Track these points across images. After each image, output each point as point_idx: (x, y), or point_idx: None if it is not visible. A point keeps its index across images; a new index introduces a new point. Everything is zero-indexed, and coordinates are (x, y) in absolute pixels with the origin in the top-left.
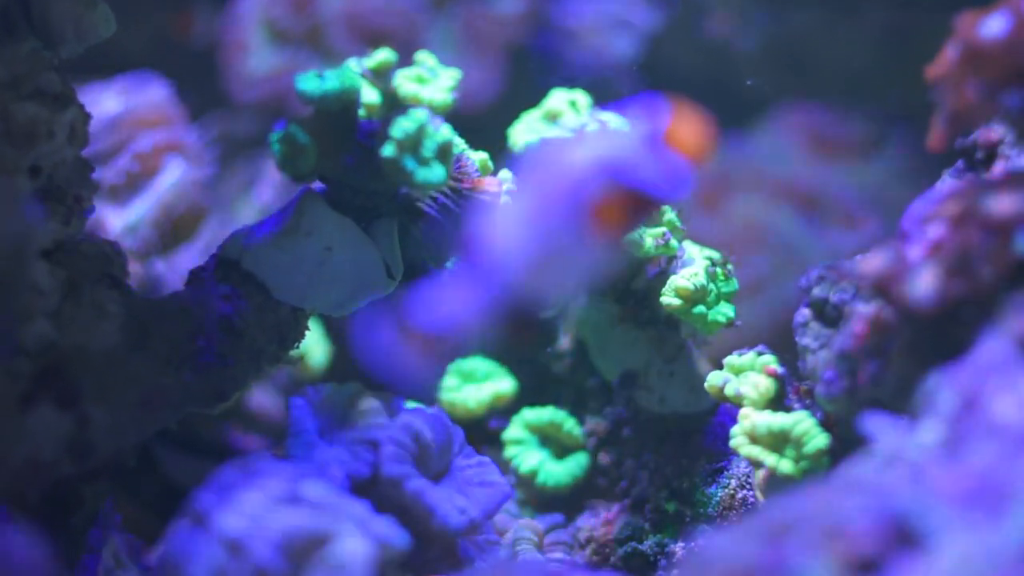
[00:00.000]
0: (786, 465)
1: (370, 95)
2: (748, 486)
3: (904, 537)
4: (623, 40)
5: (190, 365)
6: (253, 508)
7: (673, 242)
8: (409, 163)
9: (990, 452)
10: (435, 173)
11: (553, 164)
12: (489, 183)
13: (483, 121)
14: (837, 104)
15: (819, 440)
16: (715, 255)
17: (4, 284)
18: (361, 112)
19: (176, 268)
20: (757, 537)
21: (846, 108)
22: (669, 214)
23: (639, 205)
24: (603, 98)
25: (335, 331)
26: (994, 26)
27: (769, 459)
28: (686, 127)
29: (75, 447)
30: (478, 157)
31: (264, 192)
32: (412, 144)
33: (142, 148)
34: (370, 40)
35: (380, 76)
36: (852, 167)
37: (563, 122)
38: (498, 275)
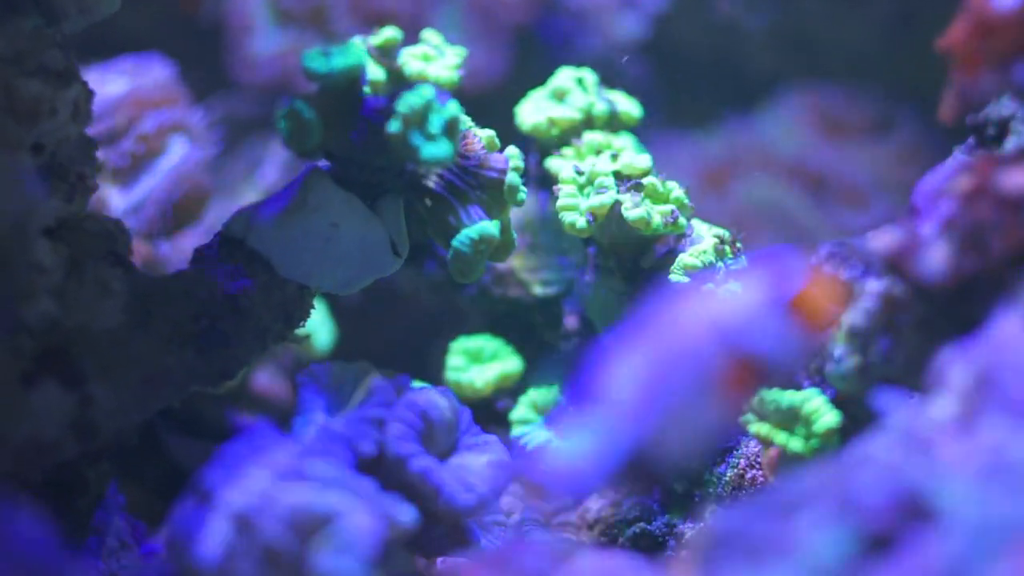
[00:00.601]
0: (796, 443)
1: (375, 73)
2: (757, 465)
3: (918, 512)
4: (630, 20)
5: (194, 344)
6: (260, 485)
7: (682, 220)
8: (416, 139)
9: (1004, 428)
10: (442, 149)
11: (673, 322)
12: (496, 160)
13: (489, 101)
14: (845, 83)
15: (829, 418)
16: (724, 233)
17: (6, 261)
18: (366, 90)
19: (181, 249)
20: (769, 513)
21: (854, 88)
22: (677, 191)
23: (756, 374)
24: (610, 78)
25: (340, 311)
26: None
27: (779, 437)
28: (818, 294)
29: (78, 427)
30: (484, 134)
31: (269, 173)
32: (418, 119)
33: (146, 129)
34: (375, 20)
35: (386, 54)
36: (861, 146)
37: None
38: (616, 435)
